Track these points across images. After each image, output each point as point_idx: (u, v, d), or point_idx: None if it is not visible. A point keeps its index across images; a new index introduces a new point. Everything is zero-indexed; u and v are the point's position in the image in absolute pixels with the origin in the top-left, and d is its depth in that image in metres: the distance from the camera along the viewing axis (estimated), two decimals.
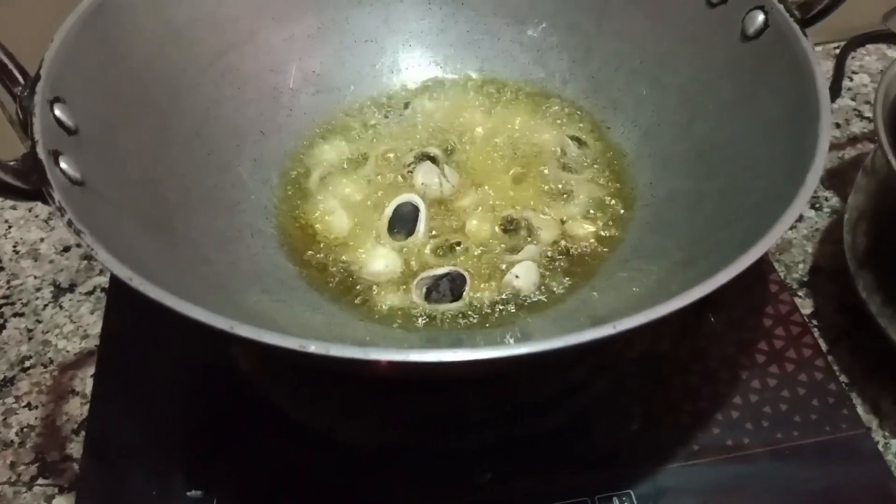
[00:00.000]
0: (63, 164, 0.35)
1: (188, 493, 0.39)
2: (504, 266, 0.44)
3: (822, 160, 0.35)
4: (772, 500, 0.39)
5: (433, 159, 0.50)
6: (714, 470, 0.40)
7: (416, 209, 0.47)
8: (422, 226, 0.46)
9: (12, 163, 0.33)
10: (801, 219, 0.58)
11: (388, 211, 0.47)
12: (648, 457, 0.40)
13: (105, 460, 0.42)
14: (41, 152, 0.34)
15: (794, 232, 0.57)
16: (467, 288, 0.44)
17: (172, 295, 0.28)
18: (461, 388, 0.42)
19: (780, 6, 0.43)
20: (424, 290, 0.44)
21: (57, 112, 0.37)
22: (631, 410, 0.42)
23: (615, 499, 0.38)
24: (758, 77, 0.43)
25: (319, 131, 0.52)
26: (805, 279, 0.54)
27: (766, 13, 0.43)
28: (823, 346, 0.48)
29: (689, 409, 0.42)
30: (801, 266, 0.55)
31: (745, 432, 0.41)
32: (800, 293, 0.53)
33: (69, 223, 0.31)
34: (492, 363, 0.28)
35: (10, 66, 0.37)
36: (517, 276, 0.43)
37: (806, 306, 0.52)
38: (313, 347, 0.27)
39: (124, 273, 0.29)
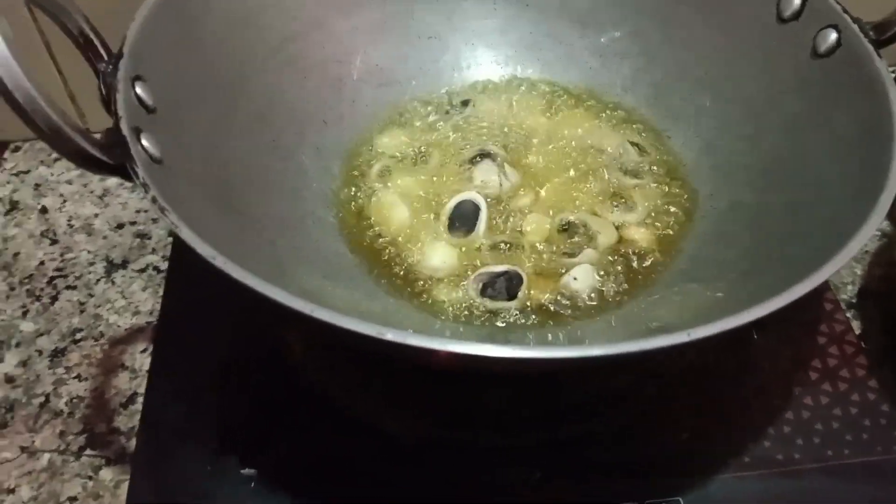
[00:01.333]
0: (144, 142, 0.35)
1: (242, 472, 0.40)
2: (563, 269, 0.45)
3: (894, 185, 0.35)
4: None
5: (492, 157, 0.50)
6: (764, 483, 0.40)
7: (476, 207, 0.47)
8: (482, 225, 0.46)
9: (98, 138, 0.34)
10: None
11: (449, 207, 0.47)
12: (698, 465, 0.40)
13: (160, 435, 0.42)
14: (125, 128, 0.34)
15: None
16: (523, 287, 0.44)
17: (254, 276, 0.29)
18: (515, 386, 0.42)
19: (855, 26, 0.42)
20: (481, 285, 0.44)
21: (138, 90, 0.37)
22: (682, 419, 0.42)
23: None
24: (828, 94, 0.43)
25: (380, 124, 0.53)
26: (853, 301, 0.54)
27: (839, 32, 0.43)
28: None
29: (741, 422, 0.42)
30: (849, 287, 0.55)
31: (795, 447, 0.41)
32: (847, 314, 0.53)
33: (153, 199, 0.32)
34: (560, 363, 0.29)
35: (96, 41, 0.38)
36: (575, 279, 0.44)
37: (854, 328, 0.51)
38: (390, 335, 0.28)
39: (207, 252, 0.30)
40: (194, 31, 0.44)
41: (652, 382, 0.44)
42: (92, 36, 0.37)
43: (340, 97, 0.51)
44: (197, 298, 0.48)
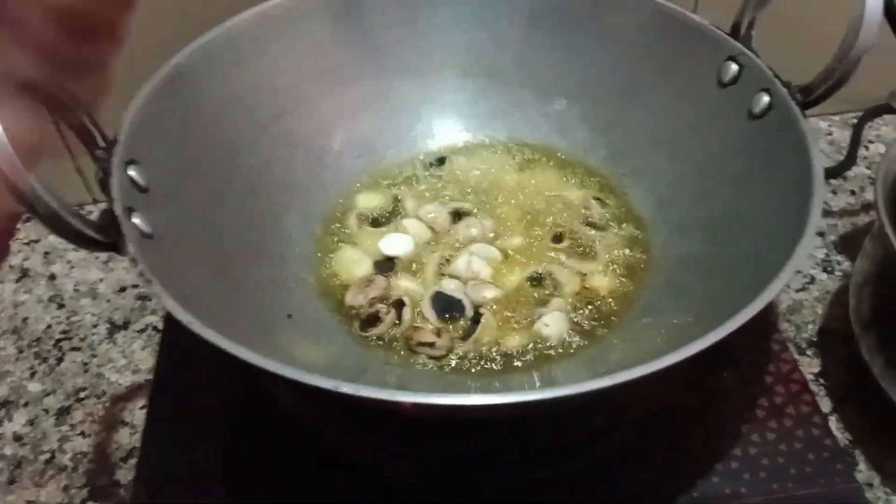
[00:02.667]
0: (136, 220, 0.39)
1: None
2: (535, 317, 0.48)
3: (811, 234, 0.38)
4: None
5: (465, 214, 0.55)
6: None
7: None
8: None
9: (92, 218, 0.38)
10: (812, 281, 0.60)
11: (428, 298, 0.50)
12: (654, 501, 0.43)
13: (155, 490, 0.45)
14: (118, 209, 0.38)
15: (805, 293, 0.59)
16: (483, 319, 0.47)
17: (224, 337, 0.33)
18: (489, 432, 0.45)
19: (784, 89, 0.46)
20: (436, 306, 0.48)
21: (131, 172, 0.41)
22: (645, 459, 0.45)
23: None
24: (765, 153, 0.47)
25: (359, 188, 0.57)
26: (814, 339, 0.56)
27: (770, 95, 0.47)
28: (829, 405, 0.50)
29: (693, 459, 0.45)
30: (810, 326, 0.57)
31: (742, 482, 0.44)
32: (808, 352, 0.55)
33: (140, 273, 0.36)
34: (508, 407, 0.32)
35: (94, 131, 0.42)
36: (546, 325, 0.47)
37: (814, 365, 0.54)
38: (346, 388, 0.31)
39: (185, 318, 0.34)
40: (188, 115, 0.48)
41: (622, 423, 0.47)
42: (91, 127, 0.41)
43: (323, 167, 0.56)
44: (192, 354, 0.50)
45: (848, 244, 0.64)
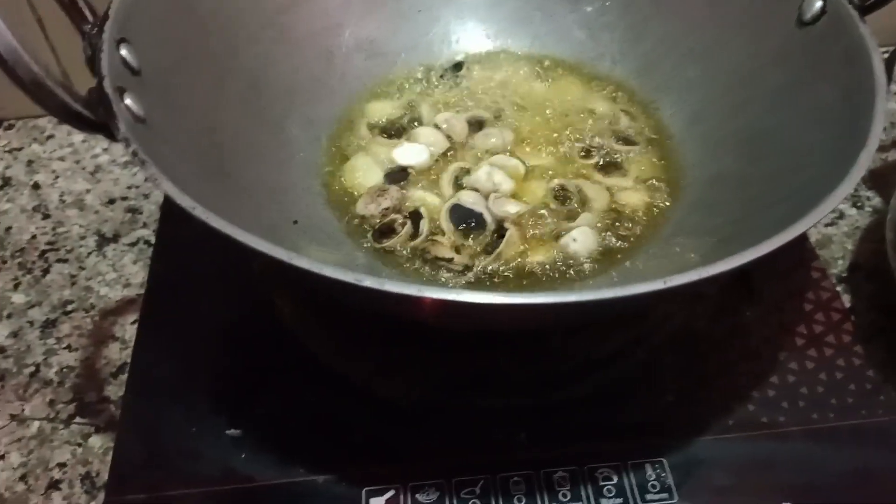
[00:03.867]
0: (127, 101, 0.36)
1: (227, 432, 0.40)
2: (562, 232, 0.45)
3: (875, 139, 0.35)
4: (804, 477, 0.39)
5: (484, 123, 0.51)
6: (747, 444, 0.40)
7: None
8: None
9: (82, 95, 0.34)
10: (841, 216, 0.58)
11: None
12: (683, 427, 0.40)
13: (146, 399, 0.43)
14: (108, 87, 0.35)
15: (834, 228, 0.57)
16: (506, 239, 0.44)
17: (233, 225, 0.29)
18: (502, 348, 0.42)
19: None
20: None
21: (122, 52, 0.38)
22: (668, 383, 0.43)
23: (647, 466, 0.39)
24: (812, 63, 0.43)
25: (369, 95, 0.53)
26: (844, 275, 0.54)
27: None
28: None
29: (726, 386, 0.42)
30: (840, 262, 0.55)
31: (780, 411, 0.41)
32: (837, 289, 0.53)
33: (134, 153, 0.32)
34: (541, 310, 0.29)
35: (81, 3, 0.38)
36: (574, 240, 0.44)
37: (844, 301, 0.52)
38: (368, 282, 0.28)
39: (187, 202, 0.30)
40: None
41: (640, 347, 0.44)
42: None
43: (330, 69, 0.52)
44: (184, 266, 0.48)
45: (878, 180, 0.61)
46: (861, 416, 0.41)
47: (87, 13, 0.38)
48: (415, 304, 0.29)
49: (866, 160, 0.35)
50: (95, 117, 0.34)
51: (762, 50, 0.47)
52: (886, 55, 0.72)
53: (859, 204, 0.59)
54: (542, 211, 0.46)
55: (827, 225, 0.57)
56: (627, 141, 0.50)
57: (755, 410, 0.41)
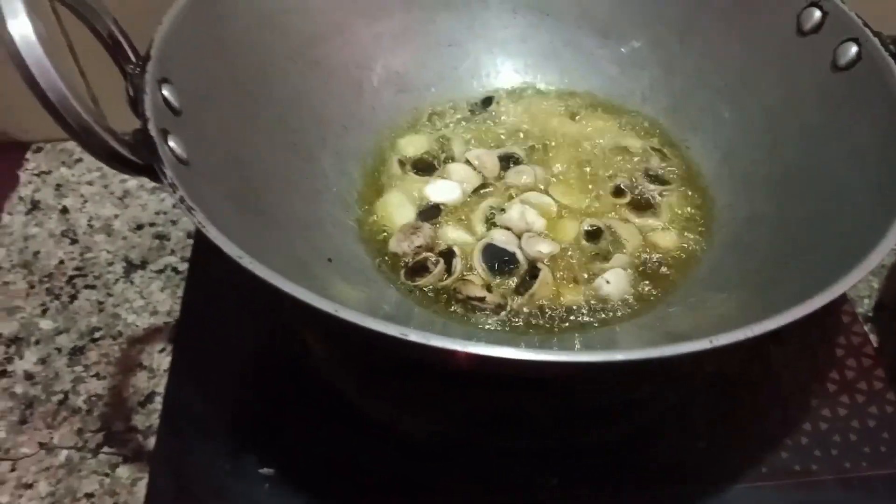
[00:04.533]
0: (171, 143, 0.36)
1: (260, 471, 0.40)
2: (593, 273, 0.45)
3: None
4: None
5: (516, 160, 0.51)
6: (780, 493, 0.40)
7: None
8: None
9: (126, 137, 0.34)
10: None
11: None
12: (714, 475, 0.40)
13: (179, 433, 0.43)
14: (153, 129, 0.35)
15: None
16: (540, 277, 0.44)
17: (281, 276, 0.29)
18: (534, 391, 0.42)
19: (875, 39, 0.43)
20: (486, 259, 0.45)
21: (165, 92, 0.38)
22: (700, 427, 0.42)
23: None
24: (848, 106, 0.43)
25: (400, 129, 0.53)
26: (870, 314, 0.54)
27: (859, 45, 0.43)
28: None
29: (758, 432, 0.42)
30: (866, 301, 0.55)
31: (813, 459, 0.41)
32: (865, 327, 0.52)
33: (181, 199, 0.32)
34: (583, 367, 0.29)
35: (125, 44, 0.38)
36: (608, 282, 0.44)
37: (873, 345, 0.51)
38: (414, 336, 0.28)
39: (234, 251, 0.30)
40: (220, 34, 0.44)
41: (671, 391, 0.44)
42: (120, 38, 0.38)
43: (361, 102, 0.52)
44: (217, 299, 0.48)
45: None
46: (894, 466, 0.41)
47: (130, 54, 0.38)
48: (455, 357, 0.29)
49: None
50: (141, 160, 0.34)
51: (795, 91, 0.47)
52: None
53: None
54: (573, 251, 0.46)
55: None
56: (660, 180, 0.50)
57: (788, 458, 0.41)
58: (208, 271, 0.49)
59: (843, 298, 0.50)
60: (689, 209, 0.49)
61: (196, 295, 0.49)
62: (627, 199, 0.49)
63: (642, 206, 0.49)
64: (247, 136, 0.44)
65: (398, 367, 0.42)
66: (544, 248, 0.45)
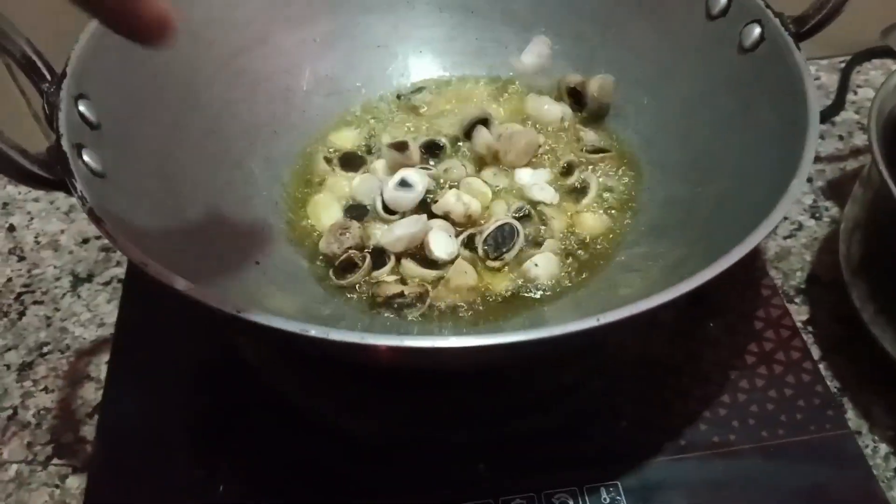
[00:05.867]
0: (86, 157, 0.37)
1: (194, 473, 0.41)
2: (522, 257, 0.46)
3: (806, 168, 0.36)
4: (757, 495, 0.40)
5: (441, 148, 0.52)
6: (701, 465, 0.41)
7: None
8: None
9: (39, 155, 0.35)
10: (800, 228, 0.59)
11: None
12: (636, 451, 0.42)
13: (117, 443, 0.43)
14: (65, 145, 0.36)
15: (793, 240, 0.58)
16: (519, 238, 0.46)
17: (184, 279, 0.30)
18: (461, 383, 0.43)
19: (776, 20, 0.44)
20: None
21: (81, 108, 0.39)
22: (622, 409, 0.43)
23: (602, 489, 0.40)
24: (755, 89, 0.45)
25: (330, 130, 0.54)
26: (802, 287, 0.55)
27: (762, 26, 0.45)
28: (817, 354, 0.49)
29: (680, 409, 0.44)
30: (798, 274, 0.56)
31: (731, 430, 0.43)
32: (796, 300, 0.54)
33: (90, 211, 0.33)
34: (483, 351, 0.30)
35: (39, 63, 0.39)
36: (536, 265, 0.45)
37: (802, 313, 0.52)
38: (314, 332, 0.29)
39: (140, 259, 0.31)
40: (138, 49, 0.45)
41: (596, 376, 0.45)
42: (34, 58, 0.39)
43: (290, 108, 0.53)
44: (154, 309, 0.49)
45: (836, 190, 0.62)
46: (810, 432, 0.42)
47: (45, 72, 0.39)
48: (362, 352, 0.30)
49: (798, 189, 0.36)
50: (53, 176, 0.35)
51: (709, 76, 0.49)
52: (843, 65, 0.74)
53: (818, 215, 0.60)
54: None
55: (785, 237, 0.58)
56: (598, 150, 0.52)
57: (706, 430, 0.42)
58: (146, 281, 0.50)
59: (763, 273, 0.51)
60: (613, 194, 0.50)
61: (133, 306, 0.49)
62: (574, 177, 0.51)
63: (567, 188, 0.51)
64: (173, 146, 0.45)
65: (327, 367, 0.43)
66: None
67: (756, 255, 0.53)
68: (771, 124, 0.42)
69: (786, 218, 0.59)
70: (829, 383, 0.47)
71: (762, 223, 0.34)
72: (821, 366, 0.48)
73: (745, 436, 0.42)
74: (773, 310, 0.48)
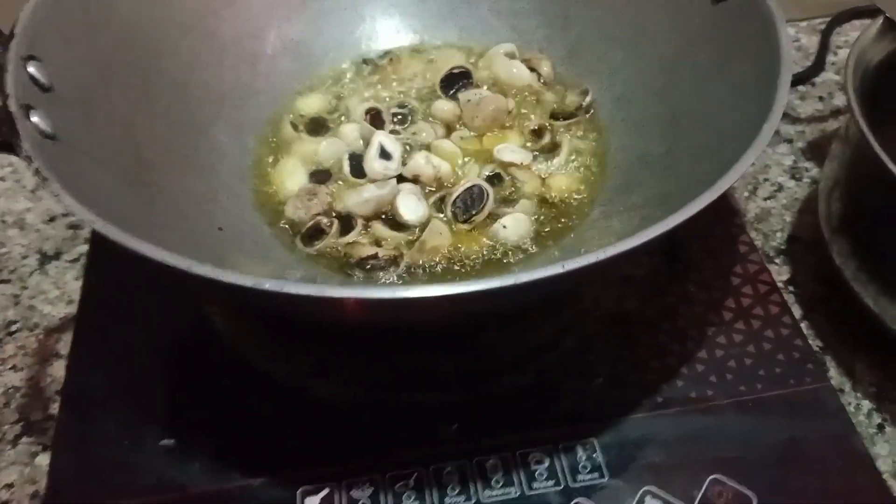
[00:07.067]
0: (35, 118, 0.36)
1: (161, 443, 0.40)
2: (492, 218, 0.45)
3: (779, 112, 0.36)
4: (734, 449, 0.39)
5: (411, 111, 0.51)
6: (678, 420, 0.41)
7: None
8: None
9: None
10: (780, 189, 0.58)
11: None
12: (612, 409, 0.41)
13: (81, 415, 0.42)
14: (12, 105, 0.35)
15: (773, 202, 0.57)
16: (488, 200, 0.45)
17: (133, 237, 0.29)
18: (433, 344, 0.42)
19: None
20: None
21: (31, 69, 0.38)
22: (598, 367, 0.43)
23: (578, 447, 0.39)
24: (728, 41, 0.44)
25: (297, 95, 0.53)
26: (783, 247, 0.54)
27: None
28: (799, 312, 0.49)
29: (656, 365, 0.43)
30: (779, 235, 0.55)
31: (709, 385, 0.42)
32: (777, 260, 0.53)
33: (36, 171, 0.32)
34: (445, 302, 0.29)
35: None
36: (504, 227, 0.44)
37: (783, 273, 0.52)
38: (268, 285, 0.28)
39: (87, 216, 0.30)
40: (101, 12, 0.44)
41: (570, 334, 0.44)
42: None
43: (255, 73, 0.52)
44: (118, 280, 0.48)
45: (816, 151, 0.62)
46: (789, 386, 0.42)
47: None
48: (320, 305, 0.29)
49: (768, 132, 0.35)
50: (0, 137, 0.34)
51: (683, 32, 0.48)
52: (823, 26, 0.73)
53: (798, 176, 0.60)
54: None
55: (766, 198, 0.58)
56: (565, 115, 0.51)
57: (684, 386, 0.42)
58: (109, 254, 0.49)
59: (740, 231, 0.50)
60: (586, 155, 0.49)
61: (97, 281, 0.48)
62: (546, 140, 0.50)
63: (539, 149, 0.50)
64: (135, 110, 0.44)
65: (298, 330, 0.42)
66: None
67: (734, 213, 0.53)
68: (748, 78, 0.41)
69: (766, 179, 0.59)
70: (810, 342, 0.46)
71: (733, 167, 0.33)
72: (802, 325, 0.48)
73: (723, 391, 0.42)
74: (750, 265, 0.48)
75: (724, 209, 0.52)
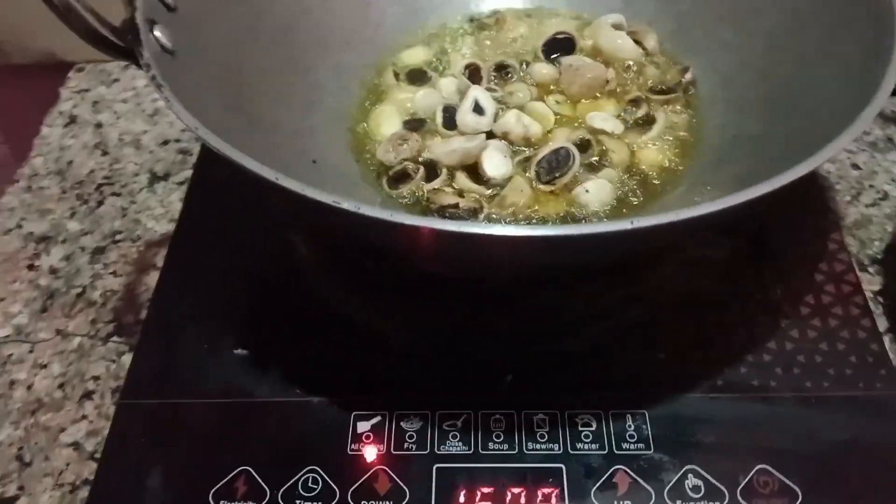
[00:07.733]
0: (157, 33, 0.38)
1: (235, 352, 0.43)
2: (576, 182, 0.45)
3: (883, 96, 0.34)
4: (788, 442, 0.39)
5: (510, 71, 0.52)
6: (734, 405, 0.40)
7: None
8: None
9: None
10: (885, 197, 0.56)
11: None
12: (669, 384, 0.41)
13: (165, 322, 0.46)
14: (139, 18, 0.37)
15: (875, 209, 0.55)
16: (574, 164, 0.45)
17: (228, 144, 0.31)
18: (490, 301, 0.43)
19: None
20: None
21: None
22: (663, 341, 0.43)
23: (628, 416, 0.39)
24: (839, 24, 0.43)
25: (404, 46, 0.54)
26: (879, 257, 0.52)
27: None
28: (884, 324, 0.47)
29: (720, 348, 0.42)
30: (876, 244, 0.53)
31: (773, 376, 0.41)
32: (870, 269, 0.51)
33: (152, 77, 0.34)
34: (515, 242, 0.30)
35: None
36: (587, 191, 0.44)
37: (875, 283, 0.50)
38: (346, 205, 0.29)
39: (192, 122, 0.32)
40: None
41: (636, 305, 0.44)
42: None
43: (366, 20, 0.53)
44: (216, 203, 0.51)
45: None
46: (858, 389, 0.40)
47: None
48: (391, 231, 0.30)
49: (870, 116, 0.34)
50: (123, 43, 0.36)
51: (790, 10, 0.46)
52: None
53: None
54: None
55: (868, 205, 0.55)
56: (663, 91, 0.50)
57: (746, 373, 0.41)
58: (212, 179, 0.52)
59: (834, 227, 0.49)
60: (680, 131, 0.49)
61: (196, 201, 0.51)
62: (641, 112, 0.49)
63: (633, 121, 0.49)
64: (244, 41, 0.46)
65: (374, 272, 0.44)
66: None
67: (827, 209, 0.51)
68: (855, 61, 0.40)
69: (871, 185, 0.56)
70: (894, 356, 0.44)
71: (826, 146, 0.32)
72: (885, 338, 0.46)
73: (787, 384, 0.41)
74: (837, 264, 0.46)
75: (818, 204, 0.50)
